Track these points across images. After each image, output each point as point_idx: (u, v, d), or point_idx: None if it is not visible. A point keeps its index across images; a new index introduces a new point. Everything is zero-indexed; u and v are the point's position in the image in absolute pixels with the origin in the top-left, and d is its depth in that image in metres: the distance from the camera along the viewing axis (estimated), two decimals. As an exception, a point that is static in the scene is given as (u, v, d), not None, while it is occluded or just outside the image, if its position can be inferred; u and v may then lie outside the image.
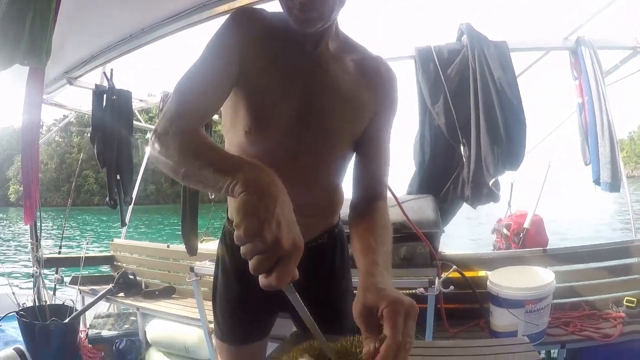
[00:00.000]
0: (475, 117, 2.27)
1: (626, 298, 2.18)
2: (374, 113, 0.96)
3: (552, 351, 2.14)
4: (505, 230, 2.92)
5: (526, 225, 2.85)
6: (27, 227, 3.05)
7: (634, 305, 2.13)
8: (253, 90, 0.87)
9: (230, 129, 0.94)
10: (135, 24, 2.38)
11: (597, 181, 2.39)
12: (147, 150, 3.80)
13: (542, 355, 2.24)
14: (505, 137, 2.22)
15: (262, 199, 0.57)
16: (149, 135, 3.76)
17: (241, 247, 0.56)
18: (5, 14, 0.95)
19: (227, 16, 0.89)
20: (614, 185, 2.33)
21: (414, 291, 1.83)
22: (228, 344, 1.11)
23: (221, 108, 0.92)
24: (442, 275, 1.88)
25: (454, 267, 1.93)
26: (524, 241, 2.87)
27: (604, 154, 2.34)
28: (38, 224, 3.07)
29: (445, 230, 2.24)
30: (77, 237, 13.20)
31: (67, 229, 3.53)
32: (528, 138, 2.35)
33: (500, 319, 1.97)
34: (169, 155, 0.72)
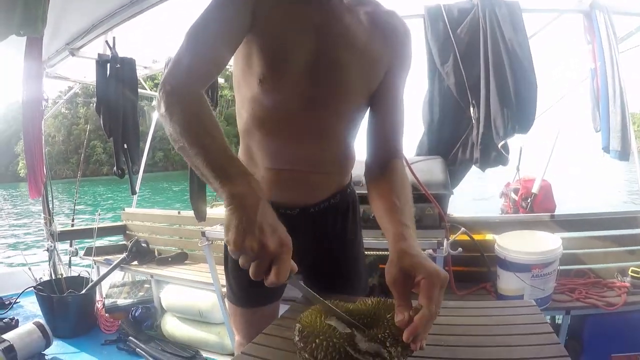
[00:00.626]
0: (485, 78, 2.22)
1: (632, 268, 2.18)
2: (388, 67, 0.95)
3: (557, 317, 2.17)
4: (513, 195, 2.92)
5: (534, 190, 2.84)
6: (40, 200, 3.11)
7: (639, 275, 2.14)
8: (267, 39, 0.86)
9: (243, 80, 0.93)
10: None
11: (606, 149, 2.35)
12: (154, 117, 3.80)
13: (547, 320, 2.28)
14: (515, 100, 2.17)
15: (244, 211, 0.62)
16: (154, 103, 3.74)
17: (238, 260, 0.62)
18: None
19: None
20: (624, 154, 2.29)
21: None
22: (241, 307, 1.14)
23: (232, 59, 0.90)
24: (451, 237, 1.89)
25: (463, 229, 1.94)
26: (532, 206, 2.87)
27: (615, 121, 2.29)
28: (49, 197, 3.13)
29: (454, 192, 2.26)
30: (89, 209, 13.42)
31: (78, 202, 3.58)
32: (538, 101, 2.31)
33: (507, 282, 2.00)
34: (172, 124, 0.74)
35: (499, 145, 2.17)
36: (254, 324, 1.09)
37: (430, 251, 1.79)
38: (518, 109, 2.18)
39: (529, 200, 2.85)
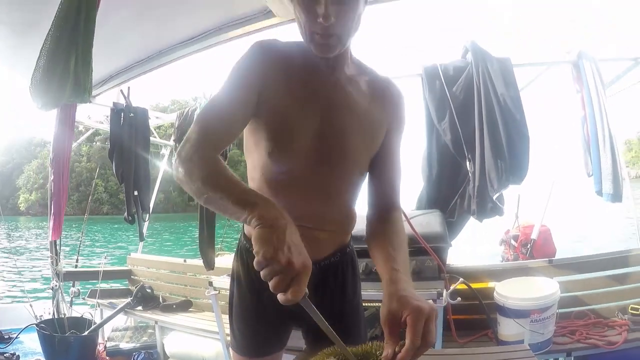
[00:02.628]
0: (480, 133, 2.39)
1: (631, 306, 2.27)
2: (386, 130, 1.06)
3: (559, 359, 2.22)
4: (513, 242, 3.03)
5: (533, 236, 2.94)
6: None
7: (639, 312, 2.22)
8: (274, 115, 0.96)
9: (253, 151, 1.03)
10: (153, 46, 2.58)
11: (599, 192, 2.48)
12: (162, 165, 3.99)
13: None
14: (509, 153, 2.33)
15: (274, 230, 0.70)
16: (163, 150, 3.94)
17: (261, 271, 0.67)
18: (51, 57, 1.10)
19: (241, 39, 1.01)
20: (616, 196, 2.42)
21: (422, 303, 1.95)
22: (245, 356, 1.17)
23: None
24: (450, 287, 1.98)
25: (461, 279, 2.04)
26: (532, 252, 2.96)
27: (606, 165, 2.44)
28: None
29: (453, 244, 2.37)
30: (89, 247, 13.48)
31: (78, 239, 3.68)
32: (533, 151, 2.47)
33: (507, 328, 2.08)
34: (193, 182, 0.83)
35: (494, 197, 2.30)
36: None
37: (430, 301, 1.89)
38: (511, 162, 2.33)
39: (528, 246, 2.95)
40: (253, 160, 1.04)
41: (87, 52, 1.13)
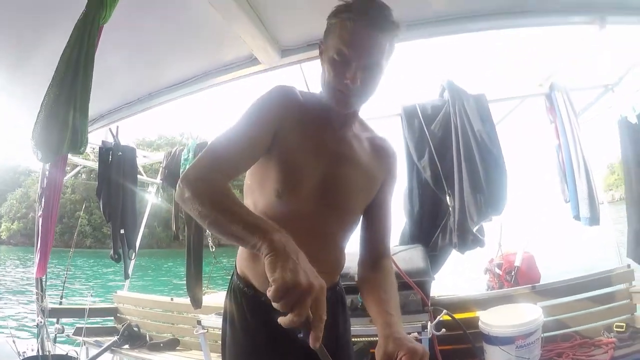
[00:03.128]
0: (458, 168, 2.51)
1: (615, 324, 2.36)
2: (381, 183, 1.17)
3: None
4: (497, 270, 3.13)
5: (517, 263, 3.06)
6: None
7: (623, 329, 2.31)
8: (287, 159, 1.03)
9: (256, 190, 1.09)
10: (142, 89, 2.68)
11: (577, 217, 2.61)
12: (149, 202, 4.04)
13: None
14: (487, 186, 2.44)
15: (288, 257, 0.73)
16: (150, 188, 3.99)
17: (279, 303, 0.68)
18: (51, 112, 1.18)
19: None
20: (593, 219, 2.53)
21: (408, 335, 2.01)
22: None
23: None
24: (435, 319, 2.05)
25: (445, 311, 2.11)
26: (516, 278, 3.06)
27: (582, 190, 2.57)
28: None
29: (437, 276, 2.46)
30: (71, 281, 13.18)
31: (61, 274, 3.65)
32: (512, 180, 2.58)
33: (494, 356, 2.14)
34: (200, 203, 0.84)
35: (474, 230, 2.40)
36: None
37: (416, 334, 1.96)
38: (490, 195, 2.45)
39: (512, 274, 3.05)
40: (255, 199, 1.09)
41: (85, 106, 1.22)
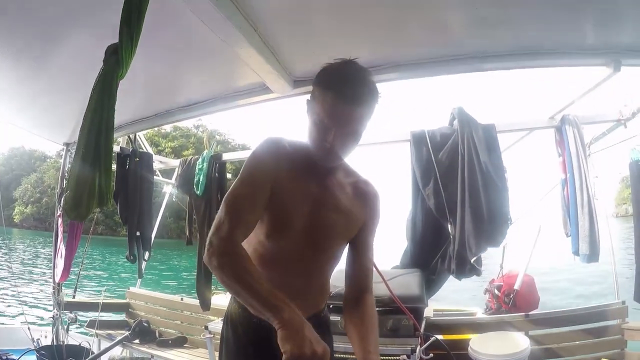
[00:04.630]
0: (461, 199, 2.65)
1: (602, 359, 2.52)
2: (363, 224, 1.34)
3: None
4: (496, 291, 3.29)
5: (516, 286, 3.22)
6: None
7: None
8: (277, 205, 1.22)
9: (255, 228, 1.26)
10: (160, 106, 2.91)
11: (576, 252, 2.70)
12: (164, 202, 4.30)
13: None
14: (488, 219, 2.58)
15: (297, 330, 0.98)
16: (165, 189, 4.25)
17: None
18: (79, 179, 1.36)
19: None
20: (592, 256, 2.62)
21: (398, 358, 2.22)
22: None
23: None
24: (424, 344, 2.26)
25: (434, 337, 2.31)
26: (515, 301, 3.22)
27: (583, 227, 2.65)
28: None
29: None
30: (86, 271, 13.89)
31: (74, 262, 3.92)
32: (519, 203, 2.70)
33: (480, 381, 2.34)
34: (225, 274, 1.09)
35: (472, 261, 2.56)
36: None
37: (405, 357, 2.17)
38: (490, 227, 2.58)
39: (511, 296, 3.21)
40: (252, 239, 1.27)
41: (108, 165, 1.35)
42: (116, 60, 1.33)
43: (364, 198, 1.34)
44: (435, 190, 2.74)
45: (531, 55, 2.20)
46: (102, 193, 1.36)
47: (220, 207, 1.19)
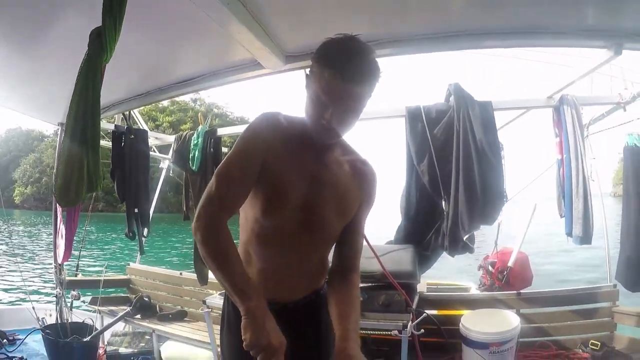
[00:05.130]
0: (456, 176, 2.67)
1: (591, 341, 2.56)
2: (359, 204, 1.33)
3: None
4: (490, 268, 3.34)
5: (510, 263, 3.26)
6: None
7: (597, 348, 2.51)
8: (272, 182, 1.21)
9: (248, 208, 1.29)
10: (152, 84, 2.91)
11: (569, 234, 2.74)
12: (161, 177, 4.33)
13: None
14: (482, 197, 2.61)
15: (256, 320, 1.06)
16: (162, 164, 4.26)
17: (251, 352, 1.04)
18: (67, 165, 1.38)
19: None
20: (585, 239, 2.66)
21: (389, 333, 2.29)
22: None
23: None
24: (416, 319, 2.32)
25: (425, 313, 2.37)
26: (508, 278, 3.27)
27: (577, 209, 2.67)
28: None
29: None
30: (87, 246, 14.14)
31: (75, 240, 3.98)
32: (515, 182, 2.72)
33: (469, 356, 2.42)
34: (206, 250, 1.14)
35: (464, 238, 2.60)
36: None
37: (396, 332, 2.23)
38: (483, 205, 2.61)
39: (505, 273, 3.26)
40: (247, 215, 1.31)
41: (96, 151, 1.34)
42: (100, 45, 1.34)
43: (361, 178, 1.33)
44: (430, 167, 2.76)
45: (531, 34, 2.18)
46: (91, 178, 1.39)
47: (212, 179, 1.20)
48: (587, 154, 2.82)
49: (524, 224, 3.39)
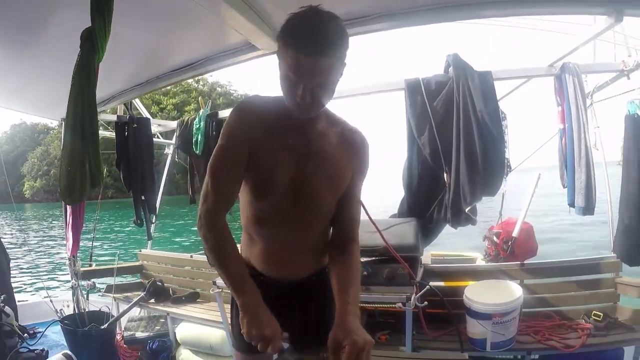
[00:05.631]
0: (457, 148, 2.67)
1: (594, 312, 2.57)
2: (351, 175, 1.34)
3: (518, 357, 2.57)
4: (495, 238, 3.36)
5: (514, 234, 3.26)
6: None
7: (600, 319, 2.52)
8: (259, 167, 1.25)
9: (243, 193, 1.35)
10: (150, 72, 2.94)
11: (571, 204, 2.73)
12: (167, 161, 4.38)
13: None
14: (483, 168, 2.61)
15: (251, 314, 1.17)
16: (167, 150, 4.31)
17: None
18: (70, 163, 1.42)
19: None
20: (587, 209, 2.64)
21: (394, 305, 2.35)
22: (240, 352, 1.52)
23: None
24: (419, 292, 2.37)
25: (428, 285, 2.41)
26: (513, 249, 3.29)
27: (580, 179, 2.66)
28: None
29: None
30: (100, 233, 14.44)
31: (86, 229, 4.06)
32: (518, 152, 2.72)
33: (473, 327, 2.46)
34: (208, 250, 1.25)
35: (467, 210, 2.62)
36: None
37: (400, 304, 2.29)
38: (485, 176, 2.61)
39: (509, 244, 3.28)
40: (244, 199, 1.36)
41: (96, 149, 1.37)
42: (92, 46, 1.37)
43: (350, 147, 1.33)
44: (431, 139, 2.76)
45: (529, 2, 2.16)
46: (93, 175, 1.44)
47: (206, 175, 1.27)
48: (591, 123, 2.78)
49: (528, 194, 3.38)
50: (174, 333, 3.51)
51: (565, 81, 2.77)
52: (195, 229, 1.27)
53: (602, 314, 2.54)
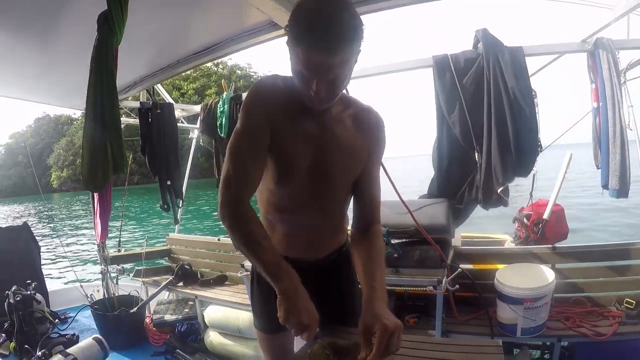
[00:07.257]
0: (488, 127, 2.57)
1: (626, 299, 2.45)
2: (368, 155, 1.33)
3: (547, 343, 2.51)
4: (525, 220, 3.26)
5: (545, 216, 3.16)
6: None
7: (632, 307, 2.41)
8: (279, 151, 1.23)
9: (264, 176, 1.30)
10: (171, 56, 2.91)
11: (605, 186, 2.59)
12: (192, 147, 4.39)
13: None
14: (515, 147, 2.51)
15: (289, 300, 1.11)
16: (192, 134, 4.32)
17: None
18: (91, 151, 1.41)
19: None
20: (622, 192, 2.51)
21: (425, 288, 2.30)
22: (262, 332, 1.54)
23: None
24: (450, 275, 2.32)
25: (460, 269, 2.35)
26: (544, 231, 3.19)
27: (614, 160, 2.51)
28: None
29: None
30: (127, 219, 14.80)
31: (115, 215, 4.11)
32: (550, 131, 2.58)
33: (503, 311, 2.39)
34: (234, 236, 1.17)
35: (499, 191, 2.53)
36: (275, 348, 1.54)
37: (431, 288, 2.25)
38: (517, 156, 2.51)
39: (540, 226, 3.18)
40: (260, 188, 1.33)
41: (117, 133, 1.37)
42: (109, 28, 1.34)
43: (366, 128, 1.31)
44: (461, 118, 2.66)
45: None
46: (117, 161, 1.42)
47: (226, 159, 1.22)
48: (624, 102, 2.63)
49: (560, 175, 3.25)
50: (202, 316, 3.54)
51: (599, 57, 2.60)
52: (221, 214, 1.23)
53: (634, 302, 2.42)
